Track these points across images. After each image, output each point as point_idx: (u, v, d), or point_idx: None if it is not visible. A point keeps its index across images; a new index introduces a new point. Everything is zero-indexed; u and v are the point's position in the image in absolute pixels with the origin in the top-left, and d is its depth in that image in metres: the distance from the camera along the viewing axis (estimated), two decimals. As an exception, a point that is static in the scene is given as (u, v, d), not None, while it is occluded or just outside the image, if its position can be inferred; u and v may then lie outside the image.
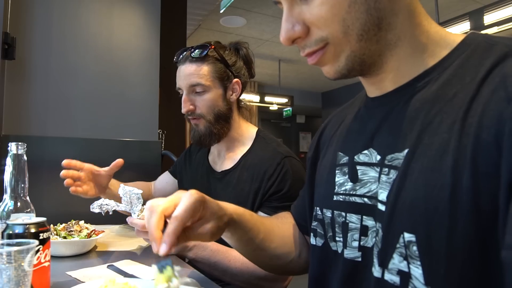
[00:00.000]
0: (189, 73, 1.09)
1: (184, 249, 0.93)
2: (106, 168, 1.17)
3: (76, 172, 1.12)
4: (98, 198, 0.99)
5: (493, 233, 0.40)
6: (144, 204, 0.93)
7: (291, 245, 0.78)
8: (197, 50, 1.09)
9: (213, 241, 0.61)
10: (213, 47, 1.11)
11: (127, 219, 0.92)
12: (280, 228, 0.79)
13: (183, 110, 1.11)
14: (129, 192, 0.93)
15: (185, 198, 0.54)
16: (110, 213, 0.97)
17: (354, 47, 0.50)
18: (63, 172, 1.09)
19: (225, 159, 1.18)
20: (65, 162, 1.10)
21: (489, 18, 2.93)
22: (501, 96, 0.42)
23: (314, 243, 0.66)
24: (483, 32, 0.62)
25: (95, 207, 0.95)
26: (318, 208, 0.66)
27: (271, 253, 0.74)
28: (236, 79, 1.14)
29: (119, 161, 1.16)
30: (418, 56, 0.53)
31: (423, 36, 0.53)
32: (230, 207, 0.65)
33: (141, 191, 0.91)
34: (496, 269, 0.40)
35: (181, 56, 1.12)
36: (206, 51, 1.09)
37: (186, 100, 1.10)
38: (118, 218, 1.00)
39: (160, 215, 0.52)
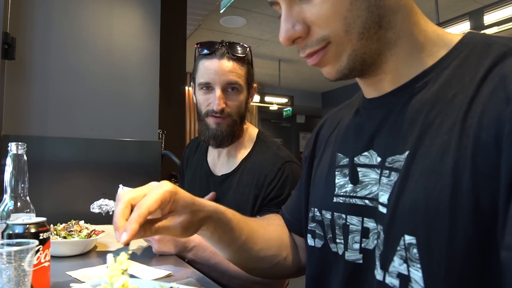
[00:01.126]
0: (229, 70, 1.05)
1: (184, 250, 0.93)
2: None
3: None
4: (97, 199, 0.99)
5: (493, 234, 0.40)
6: None
7: (277, 248, 0.75)
8: (238, 49, 1.05)
9: (185, 237, 0.58)
10: (250, 49, 1.09)
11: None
12: (266, 229, 0.76)
13: (217, 108, 1.05)
14: None
15: (155, 188, 0.52)
16: (110, 213, 0.97)
17: (355, 46, 0.50)
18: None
19: (226, 161, 1.17)
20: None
21: (489, 18, 2.93)
22: (500, 96, 0.42)
23: (313, 244, 0.65)
24: (483, 32, 0.61)
25: (95, 207, 0.95)
26: (316, 209, 0.65)
27: (254, 255, 0.71)
28: (255, 85, 1.15)
29: (212, 195, 1.12)
30: (417, 56, 0.53)
31: (421, 35, 0.53)
32: (210, 205, 0.61)
33: None
34: (495, 270, 0.40)
35: (212, 49, 1.06)
36: (246, 52, 1.06)
37: (221, 97, 1.05)
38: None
39: (126, 204, 0.50)
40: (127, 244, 0.48)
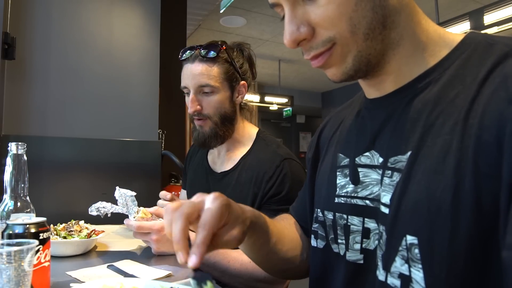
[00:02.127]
0: (198, 72, 1.06)
1: None
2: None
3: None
4: (98, 199, 0.99)
5: (495, 234, 0.40)
6: (139, 206, 0.94)
7: (300, 247, 0.75)
8: (208, 50, 1.06)
9: (238, 245, 0.56)
10: (224, 48, 1.09)
11: (124, 221, 0.92)
12: (288, 230, 0.76)
13: (190, 110, 1.08)
14: (124, 194, 0.94)
15: (209, 203, 0.49)
16: (109, 215, 0.97)
17: (360, 47, 0.50)
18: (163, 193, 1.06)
19: (225, 159, 1.18)
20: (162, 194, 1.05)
21: (489, 18, 2.93)
22: (502, 96, 0.42)
23: (315, 245, 0.65)
24: (483, 32, 0.61)
25: (93, 210, 0.96)
26: (319, 210, 0.65)
27: (282, 256, 0.70)
28: (243, 82, 1.13)
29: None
30: (419, 56, 0.53)
31: (423, 34, 0.53)
32: (249, 210, 0.60)
33: (135, 193, 0.92)
34: (497, 270, 0.40)
35: (188, 54, 1.09)
36: (217, 52, 1.06)
37: (193, 100, 1.07)
38: (118, 218, 1.00)
39: (185, 222, 0.46)
40: (196, 269, 0.46)
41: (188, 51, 1.09)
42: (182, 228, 0.46)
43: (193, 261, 0.44)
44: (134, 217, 0.92)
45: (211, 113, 1.09)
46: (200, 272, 0.46)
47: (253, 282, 0.93)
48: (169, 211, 0.49)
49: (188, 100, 1.10)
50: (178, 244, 0.45)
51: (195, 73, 1.07)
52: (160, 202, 1.05)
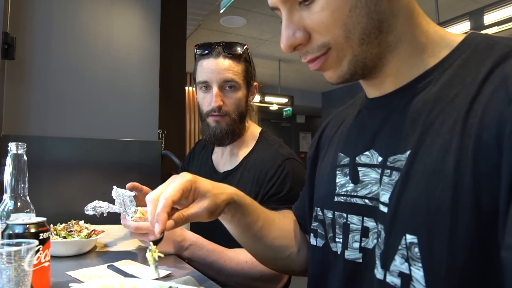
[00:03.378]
0: (225, 68, 1.06)
1: (181, 249, 0.93)
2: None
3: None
4: (98, 199, 0.99)
5: (494, 234, 0.40)
6: (137, 206, 0.93)
7: (290, 239, 0.77)
8: (234, 47, 1.07)
9: (211, 219, 0.62)
10: (247, 47, 1.10)
11: (121, 221, 0.92)
12: (281, 220, 0.78)
13: (214, 105, 1.07)
14: (122, 194, 0.94)
15: (175, 180, 0.57)
16: (105, 215, 0.97)
17: (356, 51, 0.50)
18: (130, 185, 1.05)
19: (228, 159, 1.18)
20: (129, 186, 1.04)
21: (489, 18, 2.93)
22: (502, 96, 0.42)
23: (315, 244, 0.66)
24: (483, 32, 0.62)
25: (89, 209, 0.95)
26: (318, 208, 0.66)
27: (269, 243, 0.73)
28: (256, 83, 1.15)
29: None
30: (418, 57, 0.53)
31: (423, 36, 0.53)
32: (230, 188, 0.65)
33: (133, 193, 0.92)
34: (496, 270, 0.40)
35: (209, 49, 1.08)
36: (242, 49, 1.07)
37: (218, 95, 1.06)
38: (118, 218, 1.00)
39: (154, 203, 0.54)
40: (160, 238, 0.54)
41: (208, 47, 1.08)
42: (152, 209, 0.54)
43: (156, 227, 0.52)
44: (131, 217, 0.91)
45: (231, 109, 1.09)
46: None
47: (249, 281, 0.93)
48: (149, 200, 0.56)
49: (205, 95, 1.09)
50: (150, 221, 0.54)
51: (221, 67, 1.06)
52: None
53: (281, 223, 0.77)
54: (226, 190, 0.64)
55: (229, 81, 1.07)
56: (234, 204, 0.64)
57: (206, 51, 1.08)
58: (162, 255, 0.56)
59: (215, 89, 1.06)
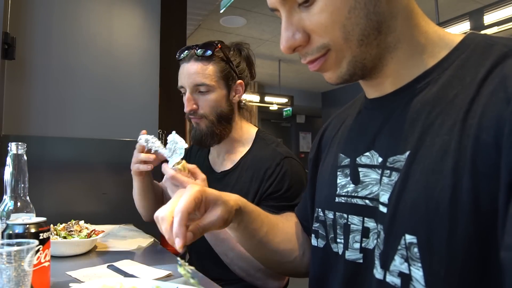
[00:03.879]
0: (194, 72, 1.07)
1: None
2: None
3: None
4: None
5: (493, 233, 0.40)
6: (183, 159, 0.92)
7: (294, 243, 0.77)
8: (203, 49, 1.07)
9: (225, 227, 0.62)
10: (219, 46, 1.09)
11: (162, 165, 0.90)
12: (284, 224, 0.78)
13: (186, 109, 1.09)
14: (175, 142, 0.93)
15: (185, 193, 0.56)
16: (152, 152, 0.98)
17: (355, 52, 0.50)
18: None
19: (225, 159, 1.18)
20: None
21: (489, 18, 2.93)
22: (501, 97, 0.42)
23: (316, 245, 0.66)
24: (483, 32, 0.62)
25: (142, 139, 0.97)
26: (319, 209, 0.66)
27: (274, 248, 0.73)
28: (239, 81, 1.13)
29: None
30: (417, 57, 0.53)
31: (422, 37, 0.53)
32: (233, 196, 0.65)
33: (185, 146, 0.90)
34: (496, 270, 0.40)
35: (185, 53, 1.09)
36: (212, 50, 1.07)
37: (189, 99, 1.08)
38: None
39: (169, 219, 0.54)
40: (183, 252, 0.51)
41: (185, 51, 1.10)
42: (167, 226, 0.53)
43: (177, 242, 0.51)
44: (173, 165, 0.90)
45: (207, 112, 1.09)
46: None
47: (252, 270, 0.93)
48: (156, 217, 0.56)
49: (184, 99, 1.11)
50: (169, 239, 0.53)
51: (190, 72, 1.07)
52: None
53: (285, 227, 0.78)
54: (232, 197, 0.64)
55: (199, 85, 1.07)
56: (240, 210, 0.65)
57: (182, 56, 1.10)
58: (193, 267, 0.55)
59: (187, 94, 1.09)
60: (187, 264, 0.54)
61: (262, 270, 0.92)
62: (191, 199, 0.54)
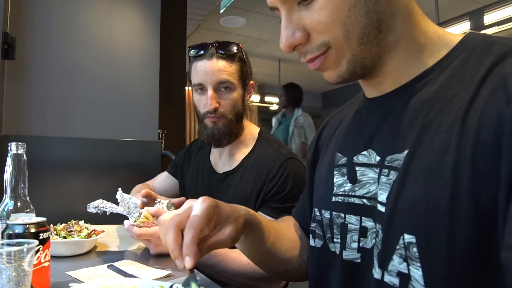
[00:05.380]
0: (218, 69, 1.05)
1: None
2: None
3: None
4: (97, 199, 0.99)
5: (493, 233, 0.40)
6: (141, 211, 0.93)
7: (299, 248, 0.75)
8: (226, 48, 1.06)
9: (234, 244, 0.58)
10: (240, 46, 1.09)
11: (124, 223, 0.92)
12: (288, 230, 0.77)
13: (210, 108, 1.06)
14: (127, 199, 0.94)
15: (197, 206, 0.52)
16: (107, 214, 0.97)
17: (355, 51, 0.50)
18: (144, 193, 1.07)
19: (227, 160, 1.17)
20: (144, 194, 1.07)
21: (489, 18, 2.94)
22: (501, 96, 0.42)
23: (313, 245, 0.66)
24: (483, 32, 0.62)
25: (91, 208, 0.96)
26: (316, 209, 0.66)
27: (281, 256, 0.71)
28: (252, 81, 1.15)
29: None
30: (417, 57, 0.53)
31: (421, 36, 0.53)
32: (242, 209, 0.61)
33: (139, 201, 0.92)
34: (495, 270, 0.40)
35: (202, 51, 1.07)
36: (235, 49, 1.07)
37: (213, 97, 1.06)
38: (118, 218, 1.00)
39: (176, 231, 0.49)
40: (192, 270, 0.48)
41: (201, 48, 1.08)
42: (174, 238, 0.48)
43: (187, 262, 0.47)
44: (134, 220, 0.91)
45: (227, 110, 1.08)
46: (188, 276, 0.49)
47: (251, 281, 0.93)
48: (162, 224, 0.52)
49: (201, 97, 1.09)
50: (173, 253, 0.48)
51: (214, 69, 1.05)
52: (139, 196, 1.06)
53: (289, 233, 0.76)
54: (241, 212, 0.59)
55: (223, 82, 1.06)
56: (248, 224, 0.61)
57: (200, 53, 1.08)
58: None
59: (210, 91, 1.06)
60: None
61: (260, 279, 0.92)
62: (204, 216, 0.50)
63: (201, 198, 0.53)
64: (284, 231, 0.75)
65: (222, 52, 1.05)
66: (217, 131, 1.09)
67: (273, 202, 1.02)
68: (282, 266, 0.73)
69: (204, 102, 1.08)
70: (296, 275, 0.77)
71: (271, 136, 1.17)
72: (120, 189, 0.95)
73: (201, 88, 1.09)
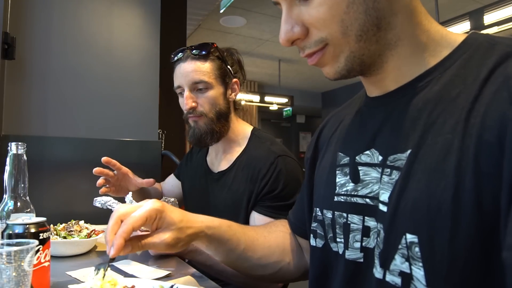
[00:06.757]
0: (191, 70, 1.07)
1: (182, 252, 0.93)
2: (139, 181, 1.18)
3: (110, 172, 1.12)
4: (91, 200, 1.00)
5: (495, 234, 0.40)
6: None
7: (279, 254, 0.77)
8: (198, 49, 1.08)
9: (172, 251, 0.65)
10: (215, 45, 1.10)
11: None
12: (266, 237, 0.78)
13: (186, 107, 1.09)
14: (104, 203, 0.96)
15: (143, 206, 0.58)
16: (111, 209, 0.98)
17: (353, 48, 0.50)
18: (97, 169, 1.09)
19: (222, 159, 1.18)
20: (104, 159, 1.11)
21: (489, 18, 2.94)
22: (504, 96, 0.42)
23: (314, 244, 0.65)
24: (483, 32, 0.61)
25: (97, 203, 0.97)
26: (318, 209, 0.65)
27: (255, 263, 0.74)
28: (235, 79, 1.15)
29: (150, 181, 1.17)
30: (419, 56, 0.53)
31: (424, 35, 0.53)
32: (201, 221, 0.66)
33: (116, 203, 0.93)
34: (497, 270, 0.39)
35: (179, 55, 1.10)
36: (208, 49, 1.08)
37: (189, 97, 1.08)
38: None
39: (116, 220, 0.56)
40: (113, 259, 0.54)
41: (180, 53, 1.11)
42: (111, 226, 0.56)
43: (111, 251, 0.54)
44: None
45: (207, 109, 1.09)
46: (104, 262, 0.56)
47: (251, 280, 0.93)
48: (114, 211, 0.58)
49: (182, 99, 1.11)
50: (105, 238, 0.56)
51: (188, 70, 1.08)
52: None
53: (266, 241, 0.77)
54: (195, 224, 0.64)
55: (198, 82, 1.08)
56: (205, 236, 0.66)
57: (176, 57, 1.11)
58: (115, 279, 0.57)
59: (186, 92, 1.09)
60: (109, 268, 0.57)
61: (260, 278, 0.92)
62: (143, 216, 0.56)
63: (152, 200, 0.59)
64: (260, 239, 0.76)
65: (195, 53, 1.08)
66: (198, 130, 1.10)
67: (266, 201, 1.02)
68: (258, 272, 0.76)
69: (183, 103, 1.11)
70: (278, 277, 0.79)
71: (263, 134, 1.17)
72: (130, 193, 0.97)
73: (180, 91, 1.12)
